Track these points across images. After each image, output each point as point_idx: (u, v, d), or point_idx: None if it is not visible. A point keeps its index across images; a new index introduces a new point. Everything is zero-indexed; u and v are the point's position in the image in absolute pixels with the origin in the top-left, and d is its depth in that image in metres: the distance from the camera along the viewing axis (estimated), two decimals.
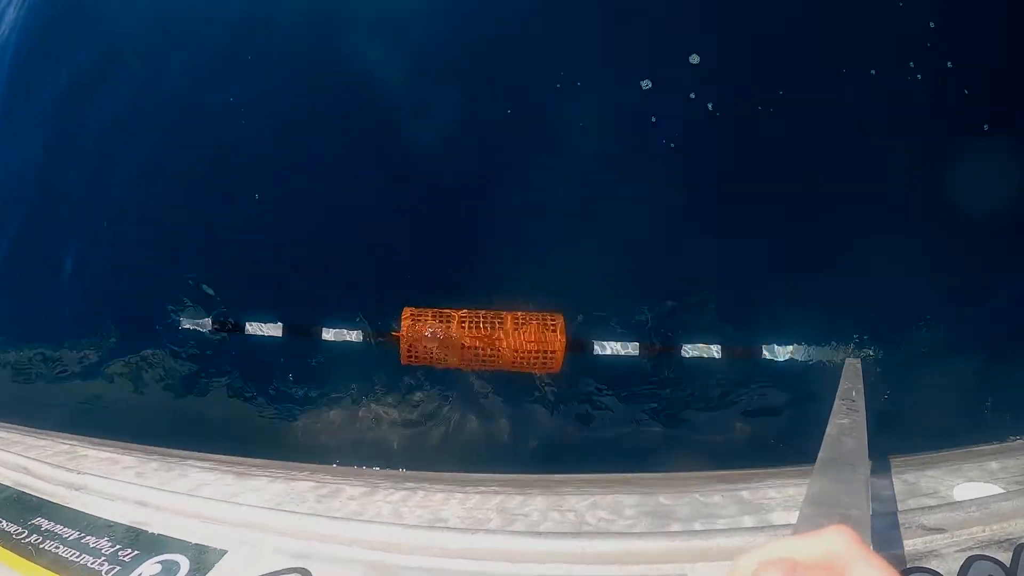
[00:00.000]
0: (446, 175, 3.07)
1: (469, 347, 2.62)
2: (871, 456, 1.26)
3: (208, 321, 3.05)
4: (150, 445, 2.38)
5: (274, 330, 2.99)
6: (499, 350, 2.61)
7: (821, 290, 2.76)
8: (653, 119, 2.94)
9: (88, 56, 3.65)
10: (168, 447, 2.36)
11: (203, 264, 3.18)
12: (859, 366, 2.13)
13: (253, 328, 3.01)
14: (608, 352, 2.75)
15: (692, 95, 2.91)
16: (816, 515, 1.00)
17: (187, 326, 3.08)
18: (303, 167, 3.18)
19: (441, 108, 3.02)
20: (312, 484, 1.94)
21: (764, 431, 2.64)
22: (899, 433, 2.14)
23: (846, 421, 1.36)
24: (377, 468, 2.53)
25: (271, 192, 3.17)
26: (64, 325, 3.33)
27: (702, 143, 2.93)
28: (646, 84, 2.94)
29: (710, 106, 2.91)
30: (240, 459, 2.24)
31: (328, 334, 2.91)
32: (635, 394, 2.77)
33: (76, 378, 3.23)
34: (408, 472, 2.46)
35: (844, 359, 2.53)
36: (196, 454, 2.28)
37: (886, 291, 2.65)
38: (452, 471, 2.21)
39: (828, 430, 1.33)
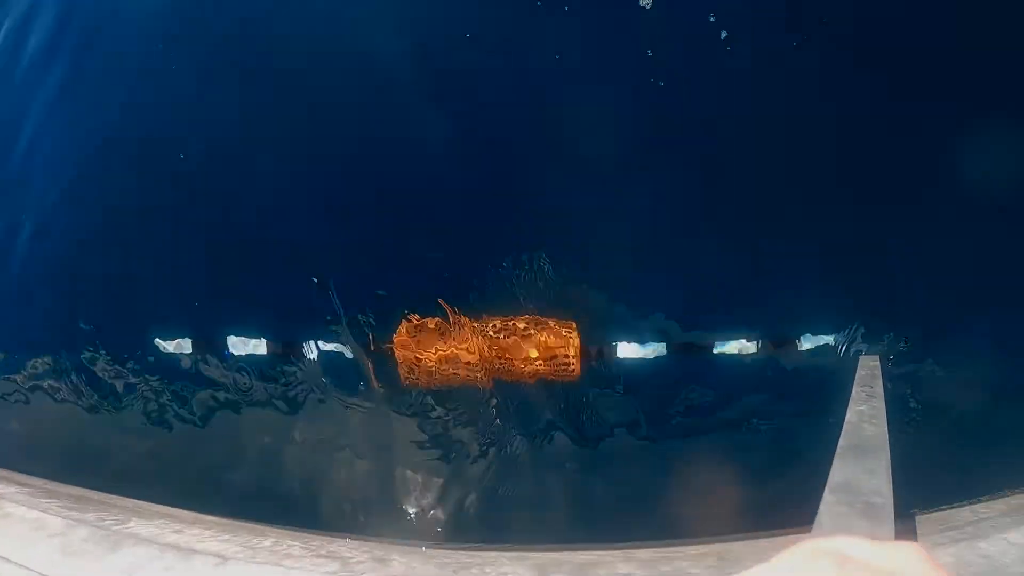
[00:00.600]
0: (444, 171, 3.00)
1: (476, 361, 2.60)
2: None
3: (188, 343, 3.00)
4: (99, 491, 2.27)
5: (258, 347, 2.92)
6: (511, 361, 2.60)
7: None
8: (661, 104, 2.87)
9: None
10: (119, 493, 2.26)
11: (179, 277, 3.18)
12: (877, 361, 2.11)
13: (236, 346, 2.96)
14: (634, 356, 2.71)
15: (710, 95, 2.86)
16: (838, 503, 1.01)
17: (165, 349, 3.05)
18: (285, 166, 3.15)
19: (433, 97, 2.99)
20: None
21: None
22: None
23: (865, 408, 1.36)
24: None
25: (249, 196, 3.16)
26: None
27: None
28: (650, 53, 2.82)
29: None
30: (199, 516, 2.11)
31: (313, 351, 2.83)
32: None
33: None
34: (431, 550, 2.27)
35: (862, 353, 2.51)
36: (145, 506, 2.13)
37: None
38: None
39: (847, 417, 1.33)
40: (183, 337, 3.14)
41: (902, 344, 2.55)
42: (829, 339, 2.64)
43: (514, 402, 2.80)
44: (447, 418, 2.85)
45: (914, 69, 2.66)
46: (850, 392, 1.59)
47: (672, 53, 2.84)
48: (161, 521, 1.96)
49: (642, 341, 2.72)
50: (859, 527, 0.88)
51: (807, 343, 2.65)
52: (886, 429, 1.29)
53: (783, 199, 2.75)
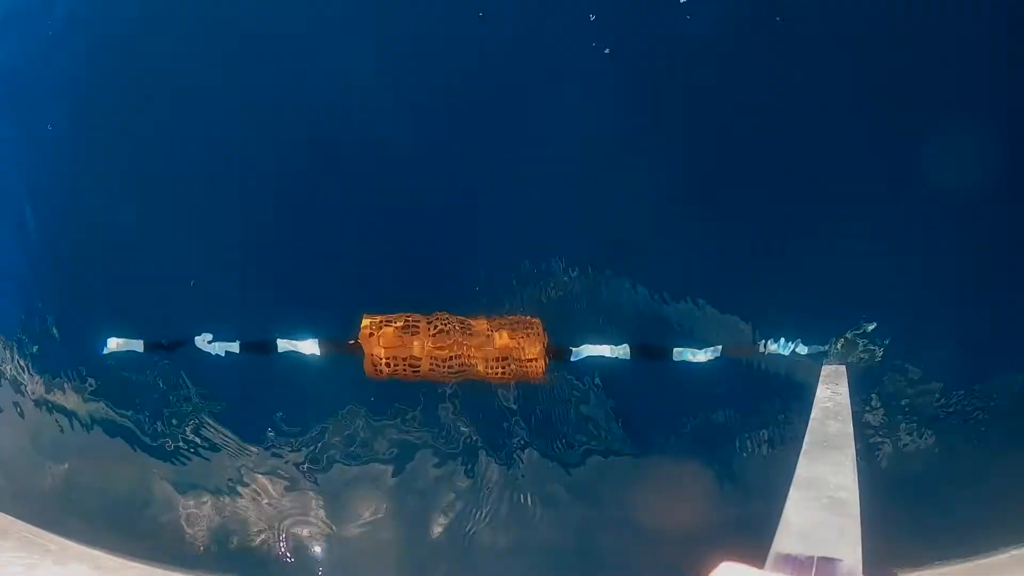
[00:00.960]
0: (405, 166, 2.91)
1: (438, 357, 2.52)
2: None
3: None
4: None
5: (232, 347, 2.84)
6: (471, 359, 2.53)
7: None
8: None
9: None
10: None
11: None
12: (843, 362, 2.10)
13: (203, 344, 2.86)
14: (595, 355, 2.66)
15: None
16: (805, 499, 0.97)
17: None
18: (248, 165, 3.05)
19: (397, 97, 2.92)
20: None
21: None
22: None
23: (830, 405, 1.33)
24: None
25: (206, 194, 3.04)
26: None
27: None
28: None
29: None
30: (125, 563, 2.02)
31: (283, 347, 2.78)
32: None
33: None
34: None
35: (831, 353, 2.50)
36: (69, 546, 2.03)
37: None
38: None
39: (813, 415, 1.30)
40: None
41: (873, 346, 2.57)
42: (791, 343, 2.63)
43: (475, 404, 2.74)
44: (406, 423, 2.78)
45: (892, 56, 2.64)
46: (814, 392, 1.57)
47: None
48: (78, 566, 1.76)
49: (608, 342, 2.67)
50: (827, 522, 0.83)
51: (772, 346, 2.63)
52: (851, 426, 1.26)
53: (759, 192, 2.69)
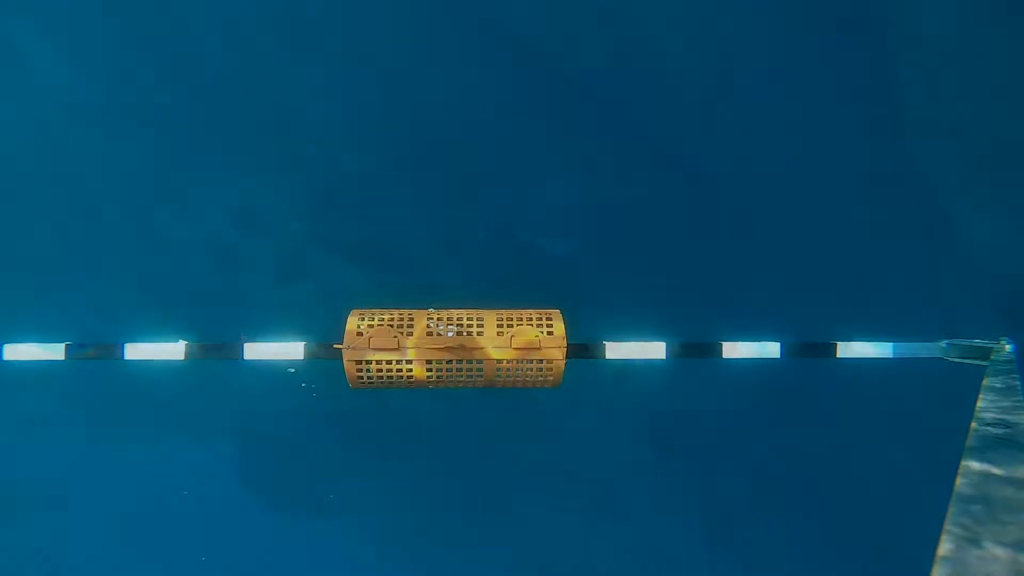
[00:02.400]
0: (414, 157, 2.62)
1: (439, 359, 2.10)
2: None
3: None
4: None
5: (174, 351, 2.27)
6: (478, 362, 2.10)
7: None
8: None
9: None
10: None
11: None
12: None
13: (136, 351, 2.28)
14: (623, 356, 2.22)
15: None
16: None
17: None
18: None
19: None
20: None
21: None
22: None
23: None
24: None
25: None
26: None
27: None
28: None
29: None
30: None
31: (251, 351, 2.23)
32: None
33: None
34: None
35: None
36: None
37: None
38: None
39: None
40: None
41: None
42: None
43: (481, 412, 2.31)
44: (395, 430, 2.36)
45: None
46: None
47: None
48: None
49: (641, 339, 2.22)
50: None
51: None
52: None
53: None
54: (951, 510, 0.77)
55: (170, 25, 2.51)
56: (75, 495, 2.66)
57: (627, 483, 2.64)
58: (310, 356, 2.21)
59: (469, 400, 2.47)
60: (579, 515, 2.67)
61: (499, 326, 2.11)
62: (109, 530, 2.66)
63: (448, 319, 2.13)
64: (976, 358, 2.06)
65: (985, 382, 1.38)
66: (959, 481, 0.81)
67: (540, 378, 2.13)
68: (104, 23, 2.52)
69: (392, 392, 2.15)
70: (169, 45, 2.53)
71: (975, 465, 0.87)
